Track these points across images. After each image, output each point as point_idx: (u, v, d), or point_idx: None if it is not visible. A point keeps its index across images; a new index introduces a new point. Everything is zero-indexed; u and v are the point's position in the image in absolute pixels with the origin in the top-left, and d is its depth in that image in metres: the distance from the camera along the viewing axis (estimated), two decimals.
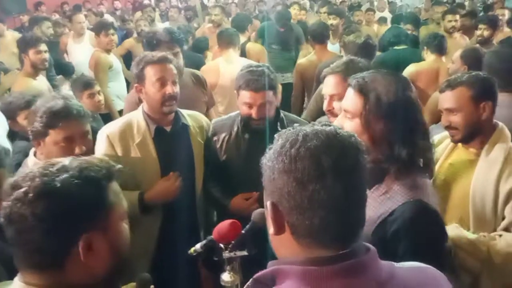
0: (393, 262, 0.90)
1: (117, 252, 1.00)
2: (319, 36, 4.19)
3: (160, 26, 6.59)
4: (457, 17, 4.97)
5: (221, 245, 1.38)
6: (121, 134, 2.11)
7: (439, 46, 3.73)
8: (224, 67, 3.62)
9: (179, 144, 2.19)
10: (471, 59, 2.90)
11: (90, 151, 1.88)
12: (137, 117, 2.17)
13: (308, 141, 0.84)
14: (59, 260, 0.93)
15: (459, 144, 1.92)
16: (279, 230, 0.87)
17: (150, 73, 2.10)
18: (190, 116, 2.30)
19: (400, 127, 1.34)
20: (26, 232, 0.90)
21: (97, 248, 0.95)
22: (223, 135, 2.26)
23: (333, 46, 5.29)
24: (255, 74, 2.11)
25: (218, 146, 2.27)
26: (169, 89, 2.08)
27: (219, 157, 2.27)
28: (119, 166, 1.07)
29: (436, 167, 1.89)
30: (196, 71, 3.16)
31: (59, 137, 1.75)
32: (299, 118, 2.56)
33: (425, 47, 3.82)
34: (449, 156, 1.93)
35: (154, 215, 2.14)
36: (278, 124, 2.23)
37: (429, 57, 3.76)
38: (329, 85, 2.00)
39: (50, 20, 5.42)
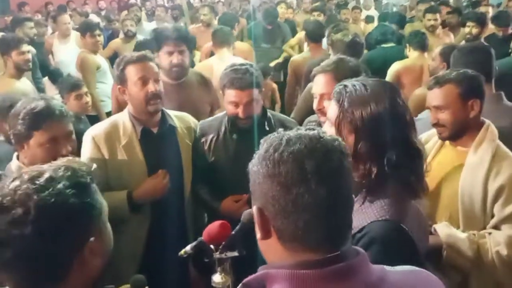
0: (384, 266, 0.90)
1: (108, 253, 1.01)
2: (315, 35, 4.20)
3: (147, 25, 6.55)
4: (437, 15, 5.03)
5: (212, 246, 1.37)
6: (106, 136, 2.08)
7: (420, 43, 3.78)
8: (218, 66, 3.59)
9: (166, 145, 2.17)
10: (450, 56, 2.94)
11: (75, 152, 1.85)
12: (123, 119, 2.14)
13: (291, 145, 0.85)
14: (62, 275, 0.91)
15: (447, 142, 1.93)
16: (265, 235, 0.88)
17: (131, 73, 2.07)
18: (178, 117, 2.28)
19: (373, 143, 1.28)
20: (28, 252, 0.87)
21: (98, 252, 0.95)
22: (210, 136, 2.24)
23: None
24: (239, 72, 2.09)
25: (206, 147, 2.25)
26: (151, 87, 2.06)
27: (207, 158, 2.25)
28: (94, 165, 1.06)
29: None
30: (201, 72, 3.12)
31: (43, 138, 1.72)
32: (287, 117, 2.55)
33: (407, 45, 3.87)
34: (436, 155, 1.93)
35: (142, 217, 2.12)
36: (266, 123, 2.22)
37: (412, 54, 3.81)
38: (319, 84, 1.99)
39: (31, 21, 5.31)
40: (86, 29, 4.32)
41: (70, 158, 1.07)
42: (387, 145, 1.27)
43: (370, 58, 4.00)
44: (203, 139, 2.26)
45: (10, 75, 3.48)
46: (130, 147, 2.09)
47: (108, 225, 1.04)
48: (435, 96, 1.86)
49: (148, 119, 2.13)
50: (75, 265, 0.92)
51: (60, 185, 0.91)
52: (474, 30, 4.44)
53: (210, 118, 2.42)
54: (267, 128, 2.19)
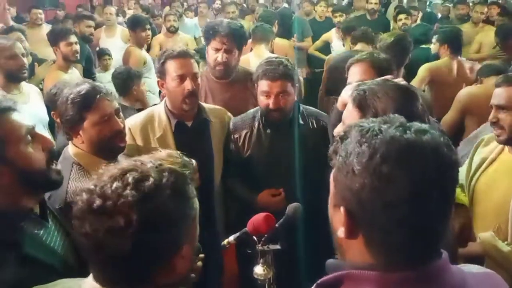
0: (460, 267, 0.86)
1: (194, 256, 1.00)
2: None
3: (188, 21, 6.65)
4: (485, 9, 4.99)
5: (255, 238, 1.38)
6: (142, 127, 2.14)
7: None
8: (254, 62, 3.61)
9: (199, 138, 2.20)
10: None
11: (124, 130, 1.83)
12: (159, 111, 2.19)
13: (404, 159, 0.73)
14: (148, 278, 0.90)
15: (506, 150, 1.83)
16: (350, 236, 0.80)
17: (171, 68, 2.10)
18: (212, 111, 2.29)
19: None
20: (122, 258, 0.86)
21: (187, 256, 0.94)
22: (244, 132, 2.26)
23: (340, 43, 5.26)
24: (272, 64, 2.12)
25: (240, 143, 2.26)
26: (188, 85, 2.08)
27: (241, 154, 2.26)
28: (194, 162, 1.03)
29: (480, 170, 1.83)
30: (249, 69, 3.02)
31: (96, 117, 1.71)
32: (320, 111, 2.48)
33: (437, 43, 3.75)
34: (494, 161, 1.84)
35: None
36: (300, 117, 2.22)
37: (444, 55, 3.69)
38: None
39: (92, 19, 5.24)
40: (136, 23, 4.37)
41: (171, 152, 1.00)
42: None
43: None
44: (236, 135, 2.27)
45: (59, 66, 3.54)
46: (164, 140, 2.13)
47: (198, 227, 0.99)
48: (499, 94, 1.77)
49: (183, 113, 2.16)
50: (163, 270, 0.90)
51: (164, 195, 0.87)
52: None
53: (242, 114, 2.36)
54: (302, 122, 2.21)
